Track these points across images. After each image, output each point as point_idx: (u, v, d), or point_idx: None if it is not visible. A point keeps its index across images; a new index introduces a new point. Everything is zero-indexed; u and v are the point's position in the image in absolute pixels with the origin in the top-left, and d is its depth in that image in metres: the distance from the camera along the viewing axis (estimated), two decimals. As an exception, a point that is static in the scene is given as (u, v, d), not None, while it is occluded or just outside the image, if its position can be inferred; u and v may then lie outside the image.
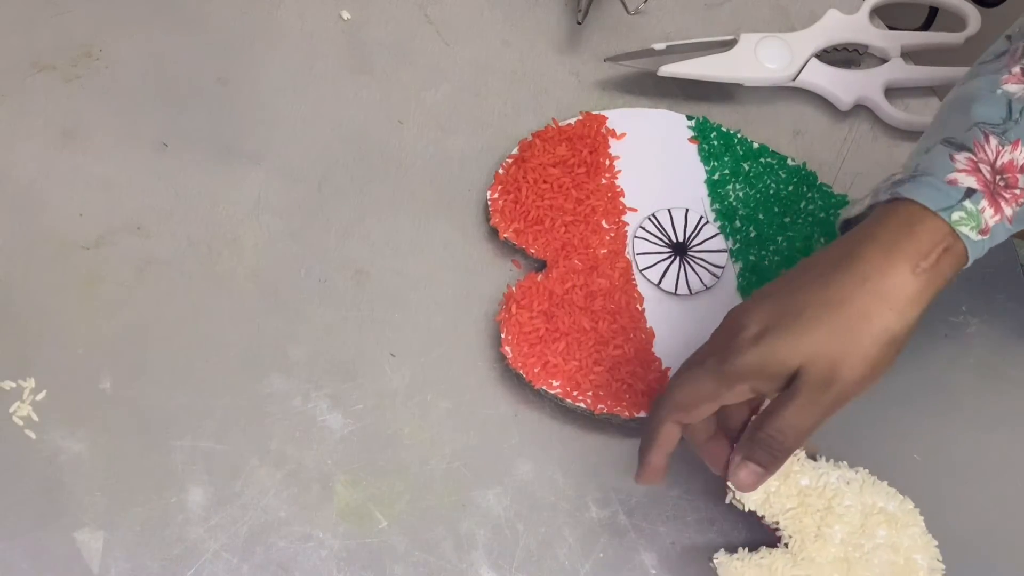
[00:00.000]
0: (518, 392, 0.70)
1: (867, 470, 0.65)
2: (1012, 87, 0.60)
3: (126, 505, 0.65)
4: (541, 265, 0.72)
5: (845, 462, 0.65)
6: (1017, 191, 0.58)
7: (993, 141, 0.58)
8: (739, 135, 0.77)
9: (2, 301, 0.69)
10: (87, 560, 0.64)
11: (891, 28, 0.82)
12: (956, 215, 0.57)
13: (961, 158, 0.58)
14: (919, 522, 0.64)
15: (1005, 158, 0.58)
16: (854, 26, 0.81)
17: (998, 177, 0.58)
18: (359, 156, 0.76)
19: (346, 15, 0.81)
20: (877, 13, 0.82)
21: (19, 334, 0.69)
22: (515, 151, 0.75)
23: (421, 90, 0.79)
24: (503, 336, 0.69)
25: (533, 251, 0.72)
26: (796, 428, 0.57)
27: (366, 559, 0.65)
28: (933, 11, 0.85)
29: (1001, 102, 0.60)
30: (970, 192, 0.58)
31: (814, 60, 0.79)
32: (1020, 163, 0.58)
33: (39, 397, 0.67)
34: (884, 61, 0.81)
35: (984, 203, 0.58)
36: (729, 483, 0.61)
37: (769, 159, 0.76)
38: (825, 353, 0.56)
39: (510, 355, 0.68)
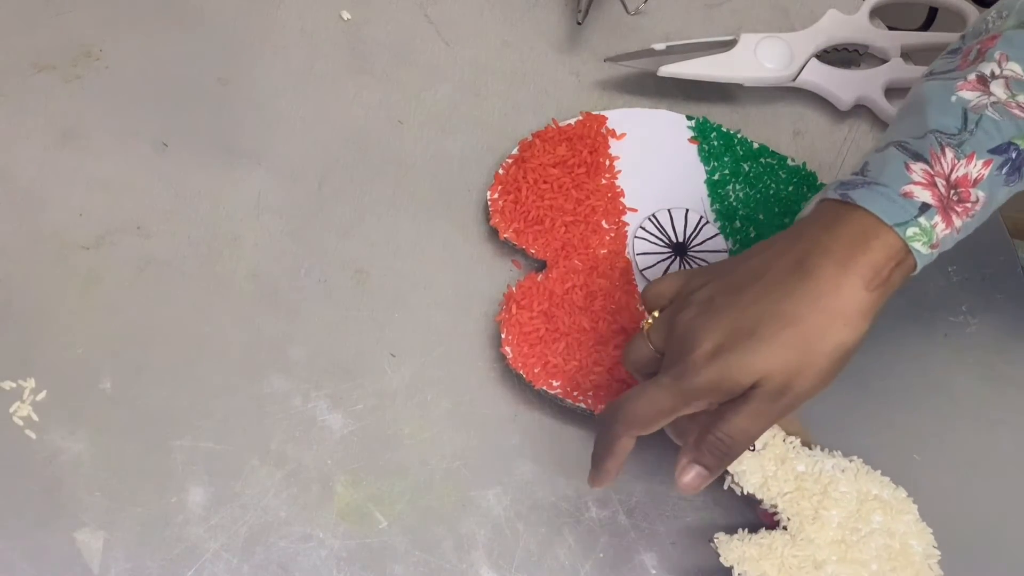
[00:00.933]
0: (518, 392, 0.70)
1: (861, 459, 0.66)
2: (967, 94, 0.60)
3: (126, 505, 0.65)
4: (541, 265, 0.72)
5: (839, 451, 0.66)
6: (969, 204, 0.59)
7: (949, 154, 0.58)
8: (739, 135, 0.77)
9: (2, 301, 0.70)
10: (87, 560, 0.64)
11: (891, 28, 0.82)
12: (911, 231, 0.57)
13: (917, 169, 0.58)
14: (913, 510, 0.65)
15: (960, 172, 0.58)
16: (854, 26, 0.81)
17: (952, 191, 0.58)
18: (359, 156, 0.76)
19: (346, 15, 0.81)
20: (877, 13, 0.82)
21: (19, 334, 0.69)
22: (515, 151, 0.75)
23: (421, 90, 0.79)
24: (503, 336, 0.69)
25: (533, 251, 0.72)
26: (745, 433, 0.58)
27: (366, 559, 0.65)
28: (933, 11, 0.85)
29: (956, 110, 0.59)
30: (925, 207, 0.58)
31: (814, 60, 0.79)
32: (973, 177, 0.58)
33: (39, 397, 0.67)
34: (884, 61, 0.81)
35: (937, 218, 0.58)
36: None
37: (769, 159, 0.76)
38: (780, 369, 0.56)
39: (510, 355, 0.69)
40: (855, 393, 0.71)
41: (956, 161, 0.58)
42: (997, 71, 0.60)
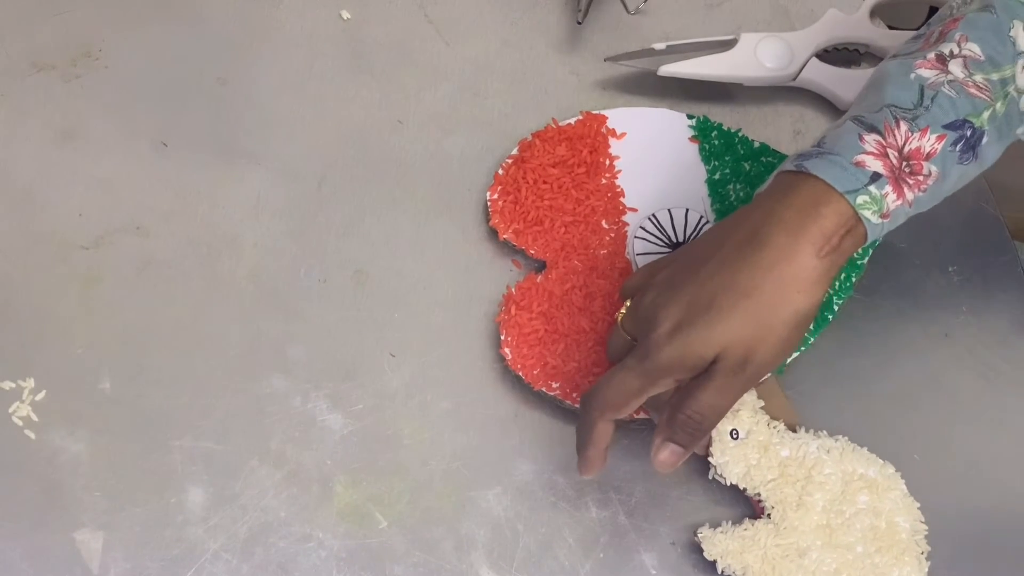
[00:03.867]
0: (518, 392, 0.70)
1: (847, 438, 0.66)
2: (925, 72, 0.61)
3: (126, 505, 0.65)
4: (541, 266, 0.72)
5: (824, 431, 0.66)
6: (920, 177, 0.59)
7: (903, 127, 0.59)
8: (740, 135, 0.77)
9: (2, 301, 0.69)
10: (87, 560, 0.64)
11: (891, 27, 0.82)
12: (861, 199, 0.58)
13: (871, 140, 0.59)
14: (900, 485, 0.65)
15: (913, 145, 0.59)
16: (854, 25, 0.81)
17: (904, 163, 0.59)
18: (359, 156, 0.76)
19: (346, 15, 0.81)
20: (877, 12, 0.82)
21: (19, 334, 0.69)
22: (515, 151, 0.75)
23: (421, 90, 0.79)
24: (503, 338, 0.69)
25: (533, 252, 0.72)
26: (714, 408, 0.59)
27: (366, 559, 0.65)
28: (933, 11, 0.85)
29: (914, 87, 0.60)
30: (875, 177, 0.58)
31: (814, 60, 0.79)
32: (926, 151, 0.59)
33: (39, 397, 0.67)
34: (884, 61, 0.81)
35: (888, 188, 0.59)
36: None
37: (770, 159, 0.76)
38: (740, 340, 0.57)
39: (509, 357, 0.68)
40: (855, 393, 0.71)
41: (910, 134, 0.59)
42: (956, 51, 0.61)
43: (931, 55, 0.61)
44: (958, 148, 0.60)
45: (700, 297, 0.58)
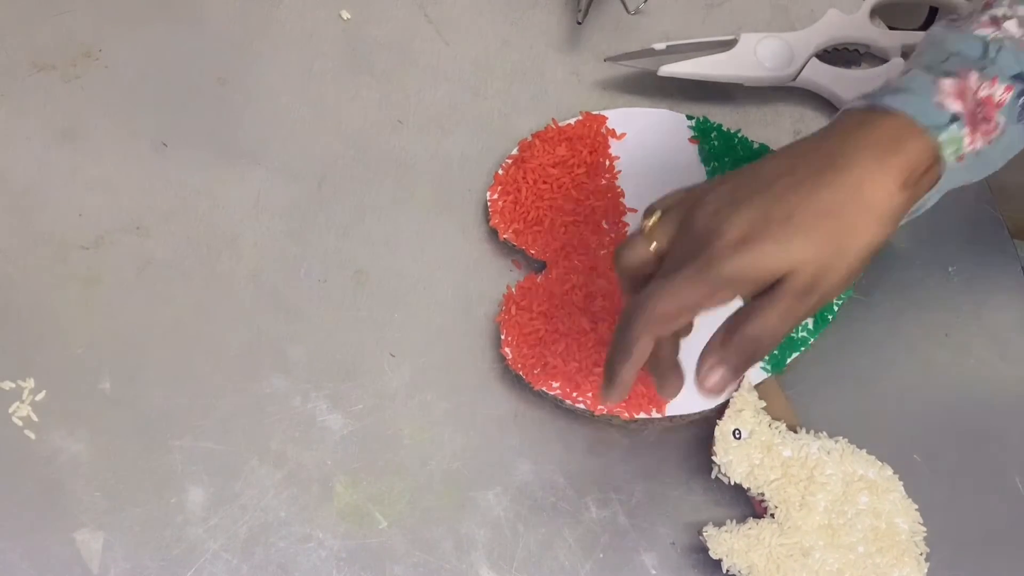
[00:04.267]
0: (518, 392, 0.70)
1: (846, 439, 0.66)
2: (982, 31, 0.60)
3: (126, 505, 0.65)
4: (541, 266, 0.72)
5: (824, 432, 0.67)
6: (990, 126, 0.58)
7: (974, 75, 0.58)
8: (739, 135, 0.77)
9: (2, 301, 0.70)
10: (87, 560, 0.64)
11: (891, 28, 0.82)
12: (944, 136, 0.57)
13: (947, 83, 0.58)
14: (899, 487, 0.66)
15: (984, 92, 0.58)
16: (854, 26, 0.81)
17: (978, 108, 0.58)
18: (359, 156, 0.76)
19: (346, 15, 0.81)
20: (877, 13, 0.82)
21: (19, 334, 0.69)
22: (515, 151, 0.75)
23: (421, 90, 0.79)
24: (503, 337, 0.69)
25: (533, 252, 0.72)
26: (774, 332, 0.55)
27: (366, 559, 0.65)
28: (933, 11, 0.85)
29: (976, 41, 0.60)
30: (955, 117, 0.57)
31: (814, 60, 0.79)
32: (996, 99, 0.58)
33: (39, 397, 0.67)
34: (884, 61, 0.81)
35: (966, 130, 0.58)
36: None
37: (769, 159, 0.76)
38: (813, 259, 0.54)
39: (510, 356, 0.68)
40: (855, 393, 0.71)
41: (981, 82, 0.58)
42: (1009, 13, 0.60)
43: (984, 18, 0.60)
44: (1020, 103, 0.59)
45: (776, 210, 0.54)
